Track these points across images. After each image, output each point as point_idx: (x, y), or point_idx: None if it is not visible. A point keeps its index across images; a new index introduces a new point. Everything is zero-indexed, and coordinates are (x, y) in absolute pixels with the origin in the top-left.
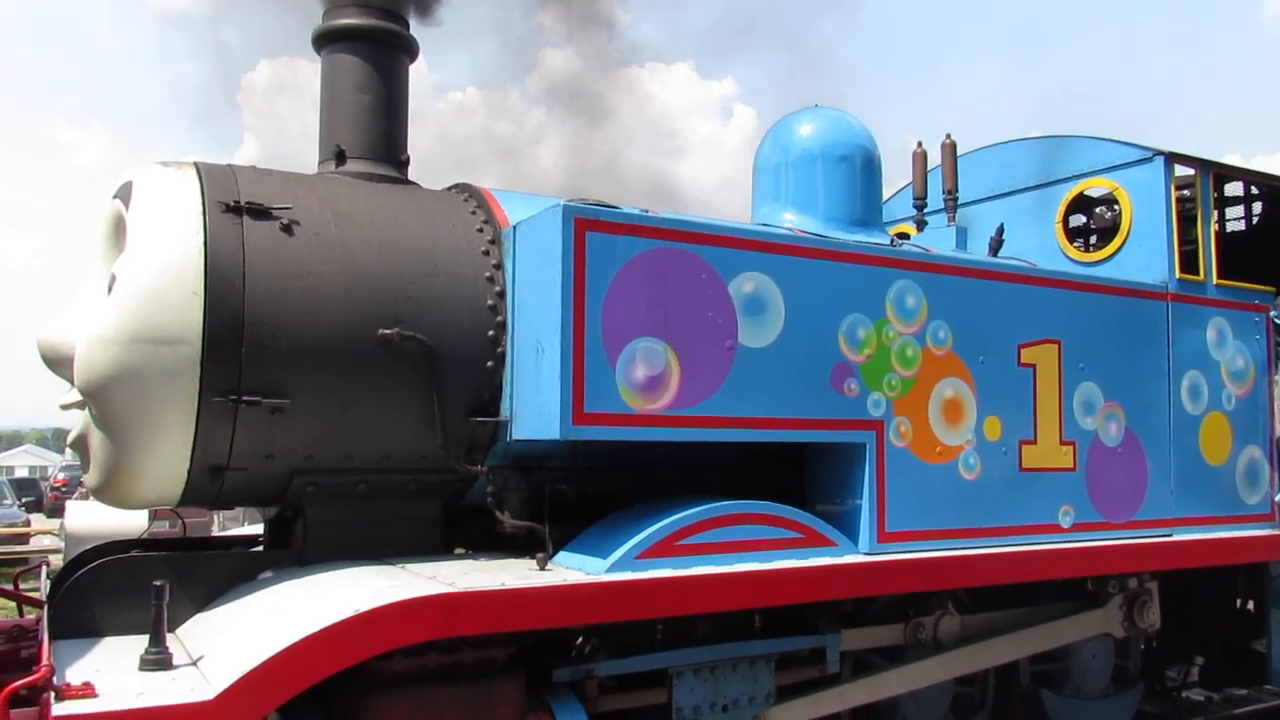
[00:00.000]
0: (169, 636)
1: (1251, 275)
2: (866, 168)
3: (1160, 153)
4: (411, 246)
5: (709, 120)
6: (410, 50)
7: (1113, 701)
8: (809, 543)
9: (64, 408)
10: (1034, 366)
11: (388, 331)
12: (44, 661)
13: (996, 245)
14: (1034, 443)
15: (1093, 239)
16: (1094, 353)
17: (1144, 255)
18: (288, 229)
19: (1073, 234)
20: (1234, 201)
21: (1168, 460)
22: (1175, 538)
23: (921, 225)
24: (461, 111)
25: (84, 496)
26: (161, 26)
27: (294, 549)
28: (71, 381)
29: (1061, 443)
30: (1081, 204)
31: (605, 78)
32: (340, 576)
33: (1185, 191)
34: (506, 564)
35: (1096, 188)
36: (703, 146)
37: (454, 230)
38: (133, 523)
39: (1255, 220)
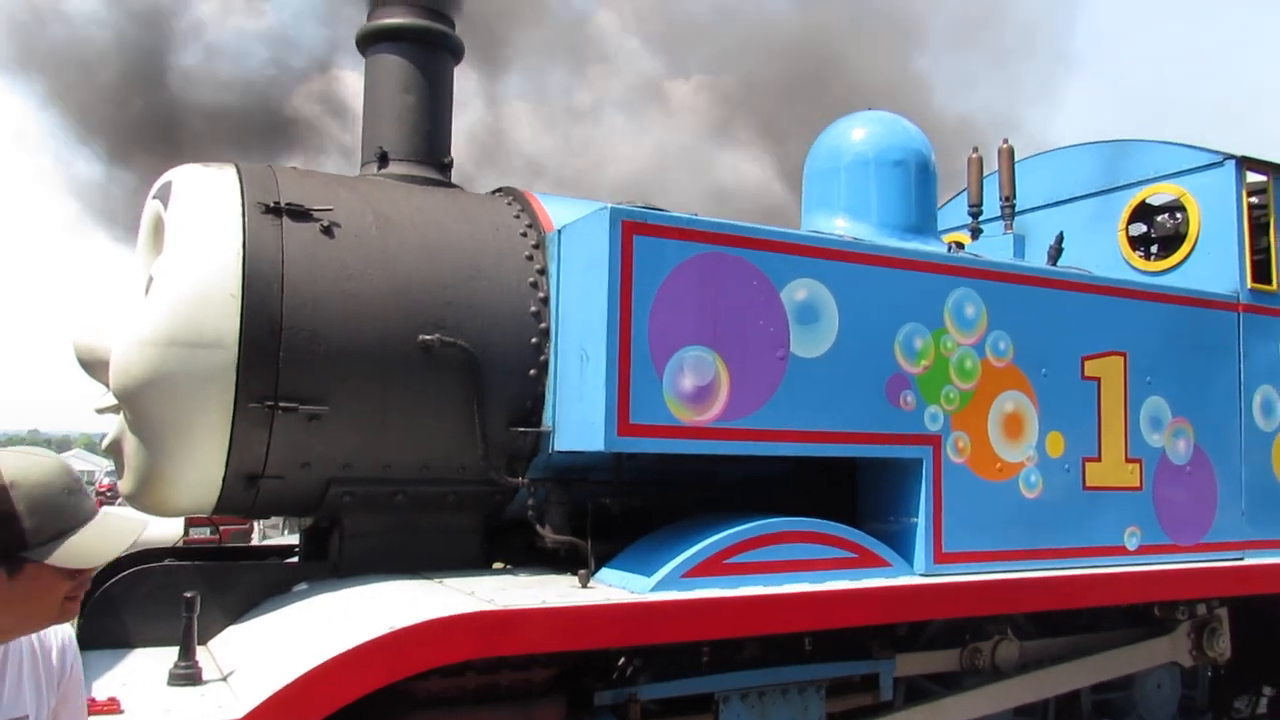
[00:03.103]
0: (200, 649)
1: None
2: (921, 173)
3: (1231, 157)
4: (454, 250)
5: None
6: (455, 51)
7: None
8: (862, 563)
9: (99, 411)
10: (1098, 380)
11: (429, 337)
12: None
13: (1056, 254)
14: (1098, 460)
15: (1154, 248)
16: (1161, 366)
17: (1212, 264)
18: (328, 231)
19: (1134, 242)
20: None
21: (1239, 480)
22: (1247, 562)
23: (977, 233)
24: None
25: (119, 502)
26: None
27: (330, 560)
28: (107, 385)
29: (1127, 460)
30: (1143, 212)
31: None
32: (376, 590)
33: (1254, 199)
34: (547, 580)
35: (1161, 194)
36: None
37: (497, 234)
38: (168, 530)
39: None
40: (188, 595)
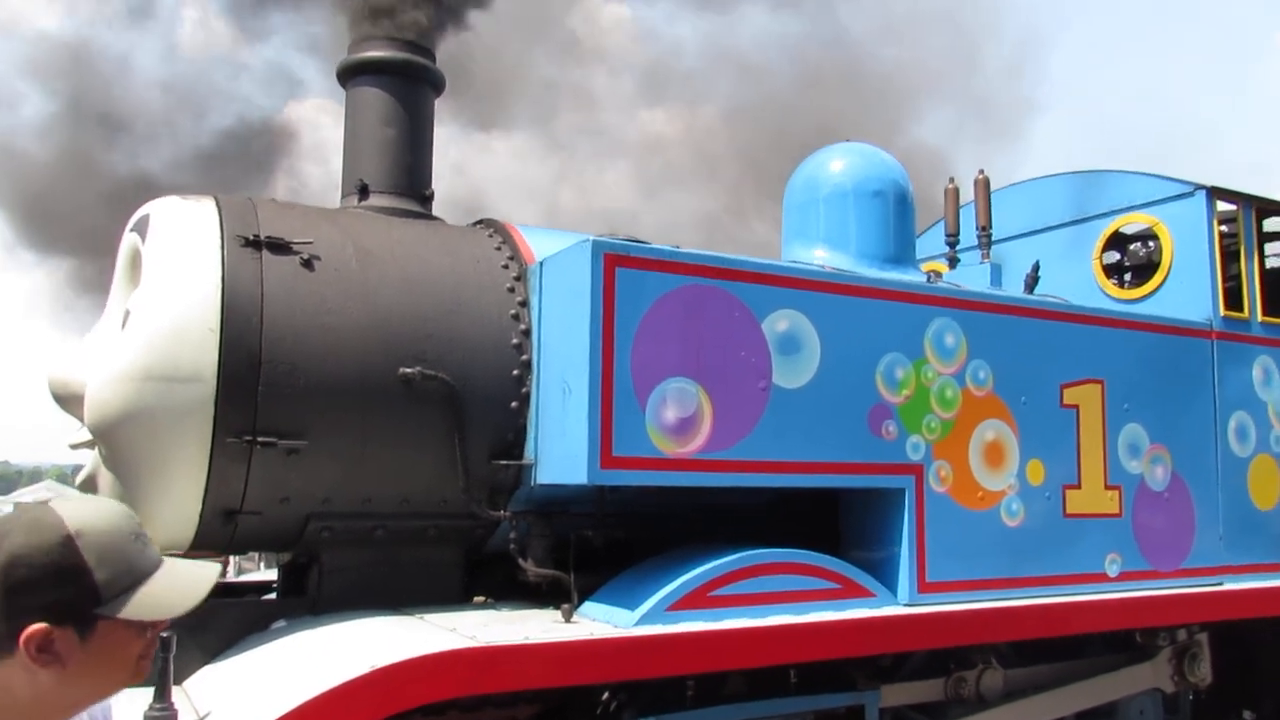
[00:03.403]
0: (175, 690)
1: None
2: (899, 204)
3: (1202, 187)
4: (435, 283)
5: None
6: (436, 84)
7: None
8: (846, 593)
9: (73, 447)
10: (1077, 407)
11: (409, 370)
12: None
13: (1032, 282)
14: (1078, 487)
15: (1127, 276)
16: (1138, 393)
17: (1185, 292)
18: (308, 264)
19: (1108, 270)
20: (1274, 237)
21: (1216, 505)
22: (1226, 587)
23: (954, 262)
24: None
25: None
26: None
27: (308, 597)
28: (82, 420)
29: (1107, 487)
30: (1116, 240)
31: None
32: (357, 627)
33: (1224, 227)
34: (529, 615)
35: (1133, 223)
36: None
37: (478, 266)
38: None
39: None
40: (164, 635)
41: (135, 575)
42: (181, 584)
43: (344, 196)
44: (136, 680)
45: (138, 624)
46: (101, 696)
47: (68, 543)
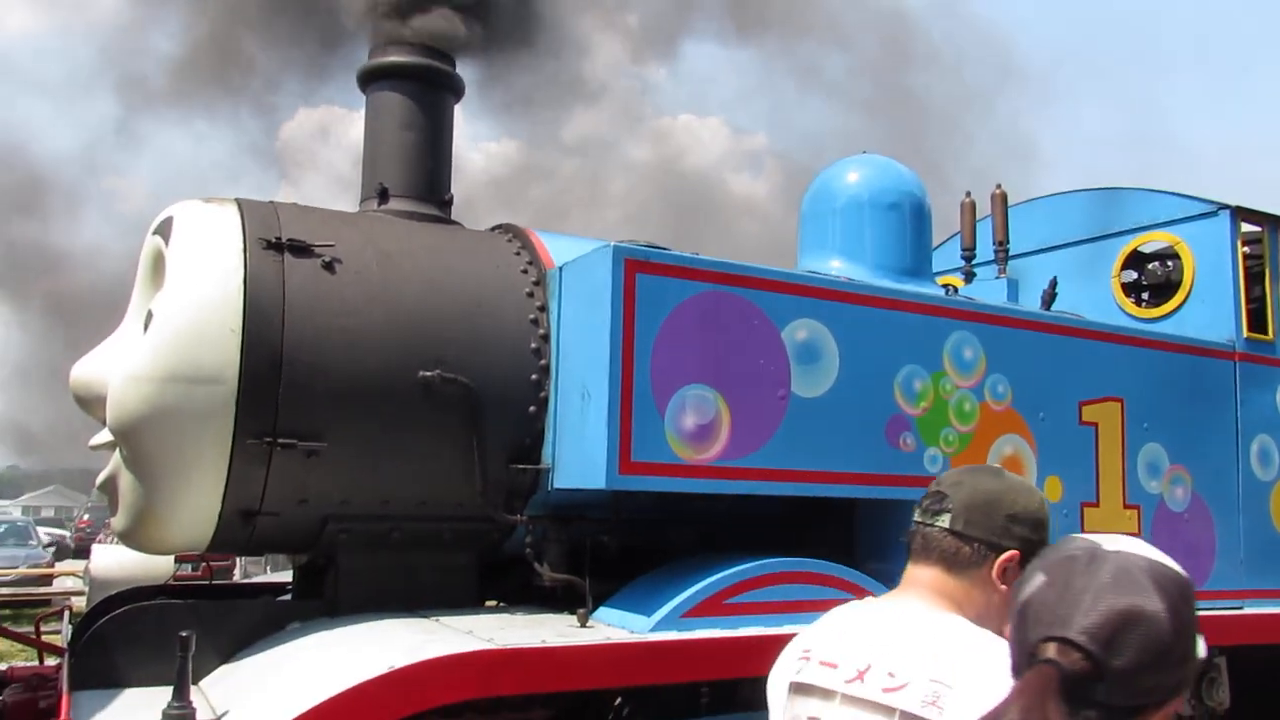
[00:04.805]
0: (193, 689)
1: None
2: (916, 216)
3: (1226, 207)
4: (454, 287)
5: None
6: (455, 90)
7: None
8: None
9: (94, 448)
10: (1096, 425)
11: (429, 374)
12: (64, 715)
13: (1049, 299)
14: (1096, 505)
15: (1145, 295)
16: (1159, 412)
17: (1207, 312)
18: (329, 267)
19: (1126, 289)
20: None
21: (1237, 528)
22: (1246, 611)
23: (970, 277)
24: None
25: (111, 539)
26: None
27: (325, 599)
28: (103, 421)
29: (1125, 506)
30: (1134, 259)
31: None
32: (373, 629)
33: (1247, 249)
34: (544, 619)
35: (1153, 242)
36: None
37: (498, 271)
38: (159, 568)
39: None
40: (183, 635)
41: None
42: None
43: (363, 200)
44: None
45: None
46: (998, 628)
47: (1043, 504)
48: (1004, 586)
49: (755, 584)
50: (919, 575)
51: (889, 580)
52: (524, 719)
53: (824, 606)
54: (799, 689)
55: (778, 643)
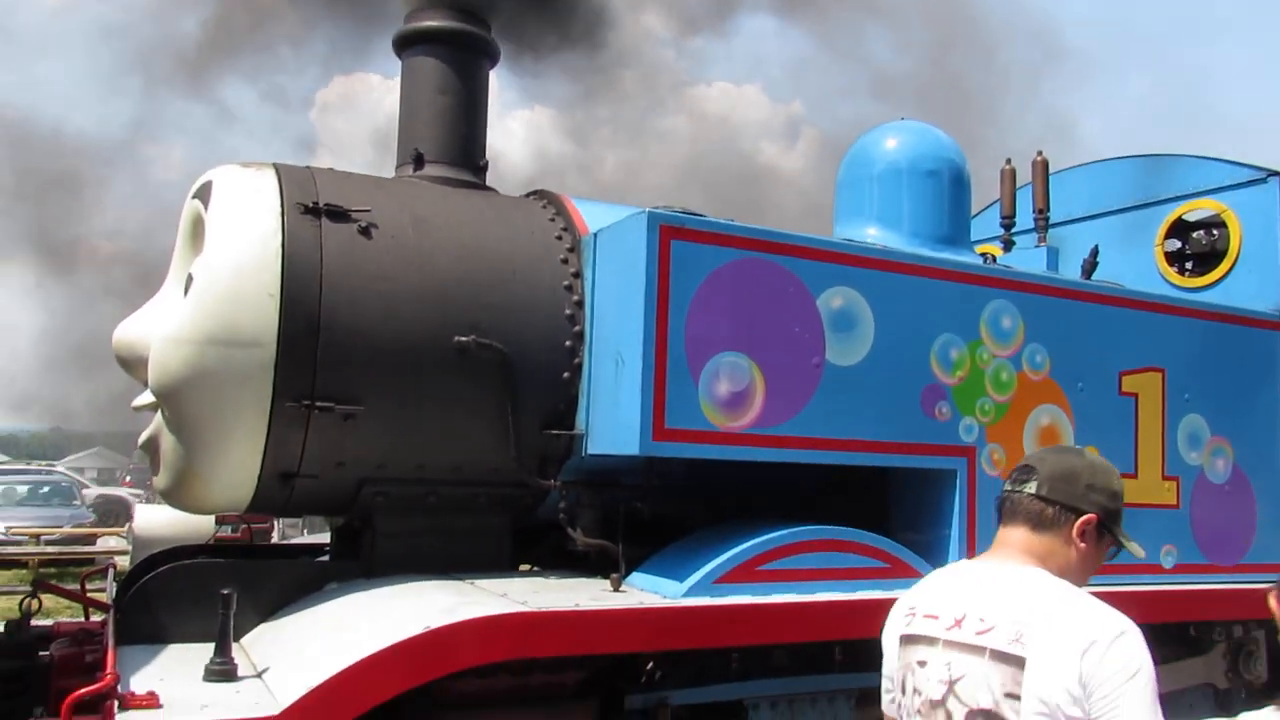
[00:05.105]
0: (234, 646)
1: None
2: (955, 183)
3: (1276, 173)
4: (489, 253)
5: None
6: (491, 54)
7: None
8: (895, 573)
9: (137, 409)
10: (1136, 396)
11: (464, 339)
12: (109, 668)
13: (1090, 268)
14: (1135, 477)
15: (1189, 264)
16: (1200, 383)
17: (1254, 282)
18: (365, 232)
19: (1169, 258)
20: None
21: (1279, 501)
22: None
23: (1009, 245)
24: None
25: (154, 499)
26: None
27: (361, 560)
28: (145, 383)
29: (1164, 478)
30: (1179, 228)
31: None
32: (408, 591)
33: None
34: (578, 584)
35: (1198, 210)
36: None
37: (533, 237)
38: (201, 527)
39: None
40: (224, 592)
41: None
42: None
43: (399, 166)
44: (1083, 580)
45: (1107, 544)
46: (1077, 581)
47: (1119, 479)
48: (1083, 545)
49: (788, 551)
50: (1008, 536)
51: (923, 550)
52: (557, 681)
53: (855, 575)
54: (908, 640)
55: (810, 611)
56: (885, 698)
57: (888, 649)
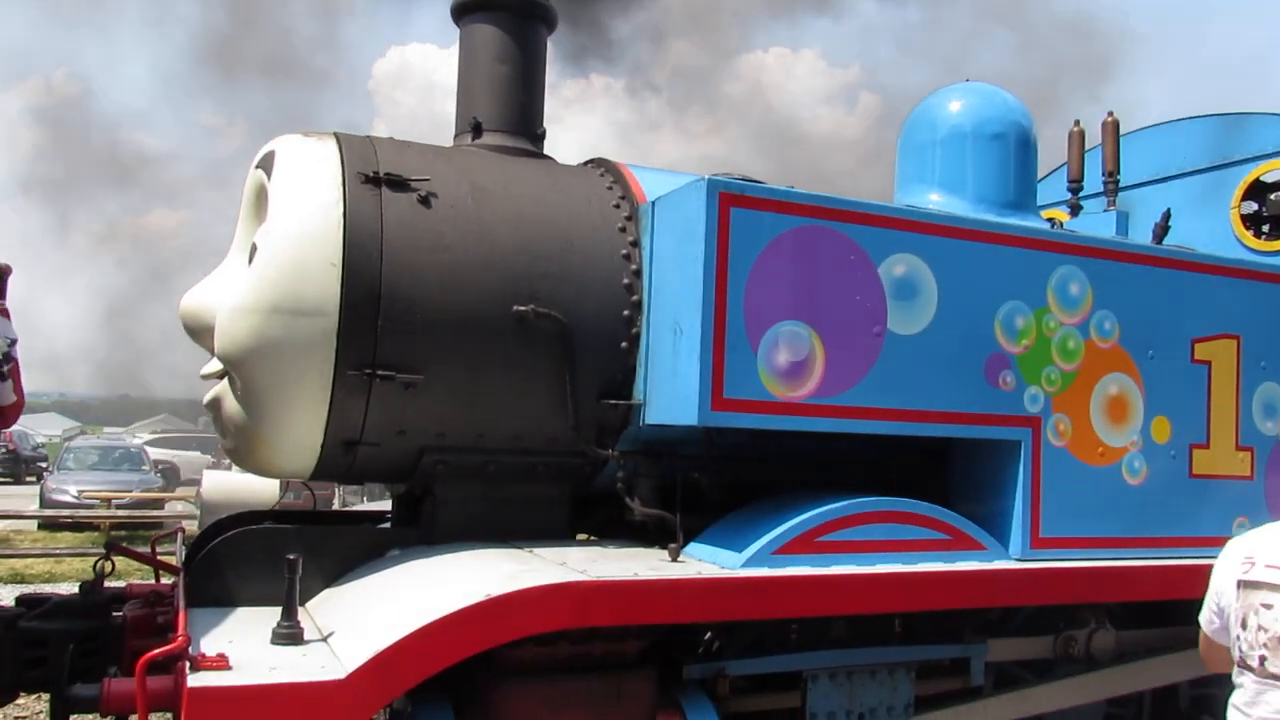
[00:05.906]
0: (299, 610)
1: None
2: (1021, 147)
3: None
4: (548, 221)
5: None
6: (549, 21)
7: None
8: (956, 545)
9: (204, 377)
10: (1209, 364)
11: (523, 308)
12: (181, 630)
13: (1162, 232)
14: (1206, 447)
15: (1265, 227)
16: (1278, 350)
17: None
18: (425, 201)
19: (1246, 221)
20: None
21: None
22: None
23: (1076, 210)
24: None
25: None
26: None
27: (421, 528)
28: (211, 351)
29: (1238, 448)
30: (1256, 189)
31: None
32: (469, 558)
33: None
34: (636, 553)
35: (1277, 170)
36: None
37: (590, 206)
38: (266, 493)
39: None
40: (290, 557)
41: None
42: None
43: (457, 135)
44: None
45: None
46: None
47: None
48: None
49: (847, 523)
50: None
51: (983, 521)
52: (616, 649)
53: (915, 547)
54: (1248, 585)
55: (871, 582)
56: (1206, 614)
57: (1222, 591)
